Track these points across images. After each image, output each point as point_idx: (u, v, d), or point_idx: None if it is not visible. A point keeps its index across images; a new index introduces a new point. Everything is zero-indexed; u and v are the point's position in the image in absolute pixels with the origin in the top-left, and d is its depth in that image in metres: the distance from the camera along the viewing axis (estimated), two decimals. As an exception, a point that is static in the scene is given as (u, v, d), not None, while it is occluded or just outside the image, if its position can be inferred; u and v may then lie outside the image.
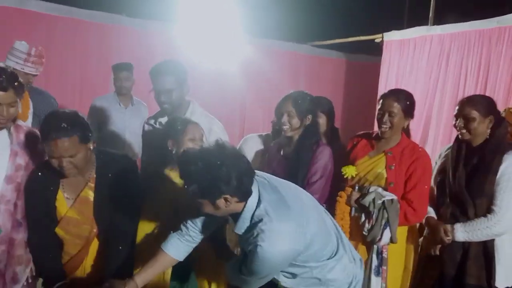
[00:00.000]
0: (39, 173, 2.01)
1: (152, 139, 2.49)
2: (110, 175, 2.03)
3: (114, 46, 5.13)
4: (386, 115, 2.38)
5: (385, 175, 2.39)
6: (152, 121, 2.60)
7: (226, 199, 1.64)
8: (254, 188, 1.70)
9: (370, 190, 2.37)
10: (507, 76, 4.35)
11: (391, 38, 5.59)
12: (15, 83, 1.98)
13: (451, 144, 2.52)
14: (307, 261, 1.78)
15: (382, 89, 5.43)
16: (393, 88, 5.26)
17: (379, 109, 2.43)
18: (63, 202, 2.03)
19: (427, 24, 5.22)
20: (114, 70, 4.06)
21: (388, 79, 5.56)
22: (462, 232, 2.31)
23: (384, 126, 2.39)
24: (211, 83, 5.18)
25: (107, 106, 4.01)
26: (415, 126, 5.06)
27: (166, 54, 5.17)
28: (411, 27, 5.42)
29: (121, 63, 4.06)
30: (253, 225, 1.68)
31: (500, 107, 4.32)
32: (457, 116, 2.38)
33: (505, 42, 4.40)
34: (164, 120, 2.47)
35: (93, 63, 4.96)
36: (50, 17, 4.78)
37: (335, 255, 1.86)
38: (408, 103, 2.39)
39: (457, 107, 2.41)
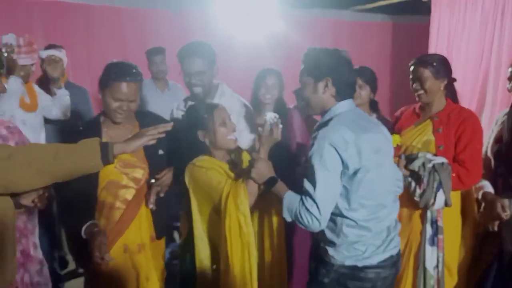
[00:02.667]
0: (80, 127, 2.13)
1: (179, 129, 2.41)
2: (150, 122, 2.09)
3: (151, 31, 5.14)
4: (417, 81, 2.37)
5: (433, 140, 2.32)
6: (183, 107, 2.51)
7: (326, 83, 1.85)
8: (345, 104, 1.89)
9: (419, 155, 2.31)
10: None
11: (440, -5, 5.22)
12: None
13: (509, 109, 2.40)
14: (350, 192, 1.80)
15: (432, 50, 5.14)
16: (443, 49, 5.08)
17: (411, 78, 2.42)
18: None
19: (479, -22, 4.84)
20: (148, 55, 4.06)
21: (439, 40, 5.23)
22: None
23: (418, 92, 2.39)
24: (248, 59, 5.06)
25: (144, 92, 4.00)
26: (470, 90, 4.76)
27: (202, 34, 5.16)
28: (461, -18, 5.06)
29: (154, 48, 4.08)
30: (325, 124, 1.86)
31: None
32: (511, 79, 2.32)
33: None
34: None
35: (132, 49, 4.98)
36: (88, 6, 4.85)
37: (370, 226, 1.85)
38: (435, 64, 2.35)
39: (509, 69, 2.34)
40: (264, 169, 1.89)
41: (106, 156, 1.60)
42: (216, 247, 2.00)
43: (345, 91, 1.88)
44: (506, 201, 2.25)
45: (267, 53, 5.13)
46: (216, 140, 2.03)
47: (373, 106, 2.90)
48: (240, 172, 2.04)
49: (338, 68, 1.86)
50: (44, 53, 3.44)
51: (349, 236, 1.83)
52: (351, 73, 1.92)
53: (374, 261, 1.85)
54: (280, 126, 1.94)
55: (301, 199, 1.79)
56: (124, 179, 2.12)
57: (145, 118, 2.22)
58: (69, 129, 2.10)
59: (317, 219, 1.74)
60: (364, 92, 2.77)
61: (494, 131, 2.48)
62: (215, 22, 5.12)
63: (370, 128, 1.87)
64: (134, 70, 2.08)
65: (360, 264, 1.84)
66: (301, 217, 1.77)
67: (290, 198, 1.83)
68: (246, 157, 2.18)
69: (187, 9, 5.26)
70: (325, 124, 1.84)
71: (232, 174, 2.01)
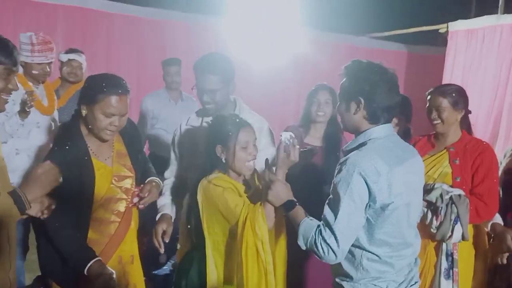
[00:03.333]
0: (66, 147, 1.96)
1: (195, 142, 2.27)
2: (128, 130, 2.11)
3: (168, 41, 5.21)
4: (434, 111, 2.35)
5: (450, 171, 2.29)
6: (194, 122, 2.36)
7: (358, 105, 1.70)
8: (382, 130, 1.73)
9: (436, 186, 2.27)
10: None
11: (457, 28, 5.27)
12: None
13: None
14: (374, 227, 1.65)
15: (447, 82, 5.14)
16: (459, 81, 5.09)
17: (428, 106, 2.40)
18: (101, 164, 2.02)
19: (496, 13, 4.90)
20: (163, 65, 4.09)
21: (454, 72, 5.25)
22: None
23: (435, 121, 2.36)
24: (264, 78, 5.13)
25: (157, 102, 4.02)
26: (484, 122, 4.75)
27: (219, 49, 5.22)
28: (479, 16, 5.12)
29: (170, 58, 4.09)
30: (356, 148, 1.73)
31: None
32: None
33: None
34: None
35: (149, 59, 5.06)
36: (109, 14, 4.94)
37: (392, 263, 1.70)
38: (454, 95, 2.33)
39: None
40: (281, 192, 1.78)
41: (22, 204, 1.56)
42: (222, 269, 1.91)
43: (379, 115, 1.71)
44: None
45: (281, 71, 5.19)
46: (234, 162, 1.91)
47: (406, 133, 2.84)
48: (254, 195, 1.95)
49: (374, 90, 1.68)
50: (65, 57, 3.48)
51: (370, 271, 1.67)
52: (390, 96, 1.71)
53: None
54: (297, 147, 1.85)
55: (319, 227, 1.65)
56: (119, 193, 2.07)
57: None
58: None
59: (333, 251, 1.60)
60: (395, 119, 2.72)
61: (502, 163, 2.46)
62: (232, 36, 5.18)
63: (406, 158, 1.72)
64: (123, 82, 1.95)
65: None
66: (317, 247, 1.63)
67: (306, 225, 1.69)
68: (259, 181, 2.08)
69: (205, 22, 5.35)
70: (356, 148, 1.71)
71: (245, 197, 1.91)
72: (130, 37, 5.07)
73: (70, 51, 3.56)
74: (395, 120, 2.67)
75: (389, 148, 1.70)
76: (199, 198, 1.90)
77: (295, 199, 1.79)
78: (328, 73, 5.98)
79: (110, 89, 1.89)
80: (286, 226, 1.95)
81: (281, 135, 1.88)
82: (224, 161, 1.91)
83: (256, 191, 1.98)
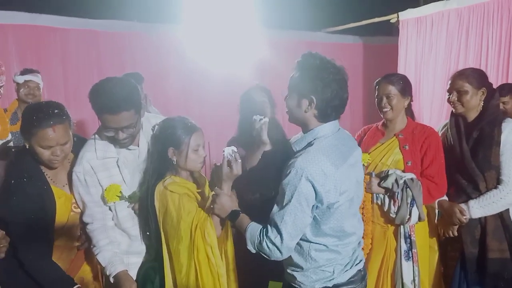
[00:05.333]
0: (24, 179, 1.92)
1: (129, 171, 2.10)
2: (78, 145, 2.06)
3: (127, 53, 5.18)
4: (384, 98, 2.45)
5: (401, 157, 2.40)
6: (111, 154, 2.05)
7: (310, 103, 1.72)
8: (329, 128, 1.76)
9: (389, 173, 2.37)
10: (531, 45, 4.18)
11: (407, 16, 5.45)
12: None
13: (446, 122, 2.59)
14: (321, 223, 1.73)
15: (402, 70, 5.31)
16: (412, 68, 5.26)
17: (377, 95, 2.50)
18: (61, 192, 2.01)
19: (443, -1, 5.08)
20: None
21: (407, 60, 5.43)
22: (478, 209, 2.33)
23: (385, 109, 2.46)
24: (225, 82, 5.14)
25: None
26: (438, 106, 4.93)
27: (177, 56, 5.22)
28: (427, 3, 5.28)
29: (131, 74, 3.95)
30: (306, 146, 1.75)
31: (525, 77, 4.22)
32: (450, 91, 2.46)
33: (526, 10, 4.23)
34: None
35: (109, 72, 4.98)
36: (63, 30, 4.85)
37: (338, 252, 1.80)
38: (401, 83, 2.45)
39: (449, 82, 2.47)
40: (225, 204, 1.87)
41: None
42: (180, 274, 1.94)
43: (329, 114, 1.74)
44: (463, 206, 2.36)
45: (240, 72, 5.22)
46: (186, 163, 1.98)
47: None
48: (203, 194, 2.04)
49: (327, 89, 1.70)
50: (21, 78, 3.42)
51: (318, 260, 1.77)
52: (342, 94, 1.74)
53: (343, 278, 1.81)
54: (239, 161, 1.90)
55: (265, 227, 1.73)
56: (78, 219, 2.07)
57: (76, 143, 2.06)
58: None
59: (278, 249, 1.68)
60: None
61: None
62: (191, 43, 5.19)
63: (350, 154, 1.79)
64: (56, 111, 1.88)
65: (330, 284, 1.79)
66: (263, 247, 1.72)
67: (251, 230, 1.78)
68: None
69: (164, 32, 5.33)
70: (304, 148, 1.74)
71: (199, 196, 2.00)
72: (87, 52, 5.00)
73: (26, 71, 3.49)
74: None
75: (335, 146, 1.74)
76: (157, 204, 1.94)
77: (238, 209, 1.88)
78: (288, 71, 6.07)
79: (41, 122, 1.83)
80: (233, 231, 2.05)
81: (223, 151, 1.93)
82: (174, 162, 1.97)
83: (204, 194, 2.06)
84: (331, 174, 1.65)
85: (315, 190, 1.65)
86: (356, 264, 1.86)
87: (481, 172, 2.33)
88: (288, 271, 1.86)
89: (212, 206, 1.88)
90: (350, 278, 1.82)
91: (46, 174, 1.99)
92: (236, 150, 1.93)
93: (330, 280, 1.79)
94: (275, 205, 1.72)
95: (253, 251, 1.78)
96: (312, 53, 1.79)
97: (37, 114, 1.85)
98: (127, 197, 2.03)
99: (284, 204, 1.67)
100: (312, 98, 1.71)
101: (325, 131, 1.75)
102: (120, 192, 2.01)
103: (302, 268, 1.80)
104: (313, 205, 1.69)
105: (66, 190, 2.04)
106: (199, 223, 1.86)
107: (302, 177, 1.64)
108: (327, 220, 1.73)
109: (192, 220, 1.87)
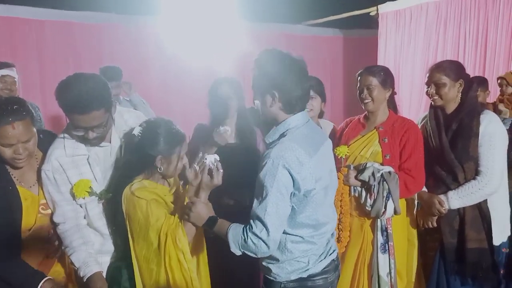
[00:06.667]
0: None
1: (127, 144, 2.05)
2: (49, 142, 1.98)
3: (105, 46, 5.09)
4: (365, 90, 2.45)
5: (380, 149, 2.41)
6: (81, 151, 1.99)
7: (273, 98, 1.74)
8: (299, 118, 1.79)
9: (367, 166, 2.38)
10: (506, 38, 4.27)
11: (386, 9, 5.50)
12: None
13: (425, 114, 2.61)
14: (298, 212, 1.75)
15: (381, 62, 5.36)
16: (391, 60, 5.31)
17: (358, 87, 2.49)
18: (28, 193, 1.95)
19: (422, -8, 5.13)
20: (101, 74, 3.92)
21: (387, 52, 5.48)
22: (457, 199, 2.36)
23: (366, 100, 2.46)
24: (205, 76, 5.07)
25: None
26: (417, 98, 5.00)
27: (157, 49, 5.15)
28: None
29: (108, 68, 3.82)
30: (279, 138, 1.77)
31: (502, 70, 4.32)
32: (428, 83, 2.47)
33: (501, 4, 4.31)
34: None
35: (86, 65, 4.90)
36: (38, 22, 4.73)
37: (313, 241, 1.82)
38: (382, 74, 2.45)
39: (427, 74, 2.48)
40: (202, 212, 1.82)
41: None
42: (149, 278, 1.90)
43: (294, 105, 1.77)
44: (443, 197, 2.38)
45: (220, 65, 5.19)
46: (169, 171, 1.91)
47: (320, 116, 2.87)
48: (176, 194, 2.00)
49: (285, 81, 1.73)
50: None
51: (293, 251, 1.79)
52: (302, 85, 1.77)
53: (318, 269, 1.83)
54: (221, 171, 1.86)
55: (248, 225, 1.70)
56: (47, 221, 2.00)
57: (44, 140, 2.00)
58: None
59: (265, 242, 1.67)
60: (315, 103, 2.72)
61: None
62: (170, 35, 5.13)
63: (321, 142, 1.84)
64: (16, 106, 1.78)
65: (305, 275, 1.81)
66: (248, 244, 1.69)
67: (233, 231, 1.75)
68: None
69: (141, 23, 5.26)
70: (278, 140, 1.76)
71: (168, 201, 1.95)
72: (64, 45, 4.89)
73: (1, 65, 3.39)
74: (314, 102, 2.70)
75: (307, 136, 1.77)
76: (124, 208, 1.87)
77: (215, 215, 1.84)
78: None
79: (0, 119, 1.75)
80: (204, 233, 2.02)
81: (205, 159, 1.88)
82: (161, 170, 1.90)
83: (178, 191, 2.03)
84: (306, 162, 1.68)
85: (292, 178, 1.67)
86: (330, 254, 1.89)
87: (460, 163, 2.35)
88: (264, 263, 1.86)
89: (187, 216, 1.83)
90: (324, 268, 1.85)
91: (12, 174, 1.91)
92: (218, 159, 1.88)
93: (306, 270, 1.81)
94: (255, 200, 1.70)
95: (238, 253, 1.74)
96: (268, 49, 1.80)
97: None
98: (97, 193, 1.97)
99: (264, 195, 1.67)
100: (274, 92, 1.74)
101: (296, 122, 1.78)
102: (90, 187, 1.94)
103: (278, 260, 1.81)
104: (291, 193, 1.70)
105: (33, 191, 1.96)
106: (169, 230, 1.81)
107: (279, 165, 1.65)
108: (304, 209, 1.75)
109: (161, 227, 1.81)
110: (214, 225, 1.81)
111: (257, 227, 1.67)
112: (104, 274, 2.00)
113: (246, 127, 2.62)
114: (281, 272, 1.81)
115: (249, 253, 1.73)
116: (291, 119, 1.78)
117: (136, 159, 1.91)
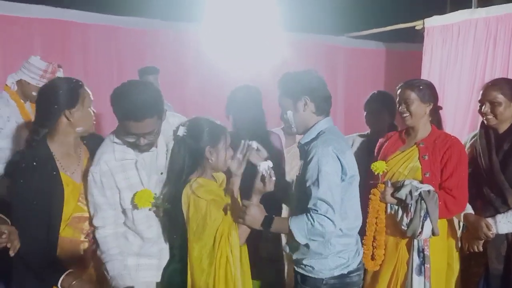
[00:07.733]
0: (34, 163, 1.92)
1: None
2: (97, 146, 2.07)
3: (148, 51, 5.16)
4: (403, 104, 2.40)
5: (420, 167, 2.32)
6: (129, 155, 2.03)
7: (305, 101, 2.00)
8: (328, 121, 2.06)
9: (405, 183, 2.31)
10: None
11: (433, 24, 5.34)
12: None
13: (475, 132, 2.51)
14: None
15: (425, 77, 5.20)
16: (436, 76, 5.16)
17: (398, 100, 2.45)
18: (69, 180, 2.01)
19: (470, 7, 4.97)
20: (140, 74, 4.05)
21: (431, 67, 5.32)
22: (505, 223, 2.26)
23: (404, 114, 2.42)
24: (243, 83, 5.11)
25: None
26: (462, 116, 4.81)
27: (200, 56, 5.20)
28: (454, 11, 5.17)
29: (147, 67, 4.05)
30: (315, 138, 1.99)
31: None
32: (482, 101, 2.39)
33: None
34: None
35: (129, 69, 5.00)
36: (85, 25, 4.85)
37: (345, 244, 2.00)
38: (421, 88, 2.39)
39: (481, 92, 2.39)
40: (256, 214, 1.92)
41: None
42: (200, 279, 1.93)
43: (323, 106, 2.04)
44: (490, 220, 2.28)
45: (261, 74, 5.19)
46: (219, 161, 2.01)
47: (392, 129, 2.86)
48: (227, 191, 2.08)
49: (312, 85, 2.01)
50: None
51: (336, 246, 1.96)
52: (325, 88, 2.07)
53: (355, 265, 2.02)
54: (273, 178, 1.94)
55: (310, 210, 1.84)
56: (86, 211, 2.05)
57: (91, 140, 2.12)
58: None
59: (332, 221, 1.80)
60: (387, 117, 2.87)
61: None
62: (211, 43, 5.16)
63: (348, 148, 2.08)
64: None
65: (346, 271, 1.98)
66: (315, 227, 1.80)
67: (295, 221, 1.87)
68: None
69: (184, 30, 5.31)
70: (315, 139, 1.98)
71: (229, 200, 2.02)
72: (108, 48, 4.99)
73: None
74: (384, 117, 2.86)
75: (338, 135, 2.04)
76: (185, 208, 1.92)
77: (269, 215, 1.93)
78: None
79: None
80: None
81: (259, 165, 1.95)
82: (211, 161, 1.98)
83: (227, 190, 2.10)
84: (346, 150, 1.96)
85: (340, 162, 1.90)
86: (359, 251, 2.10)
87: (511, 186, 2.24)
88: (304, 262, 1.99)
89: (241, 219, 1.89)
90: (358, 264, 2.06)
91: (58, 160, 1.98)
92: (271, 166, 1.95)
93: (346, 267, 1.99)
94: (312, 189, 1.86)
95: (304, 241, 1.88)
96: (284, 73, 2.09)
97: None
98: (159, 203, 2.00)
99: (321, 180, 1.84)
100: (305, 97, 2.00)
101: (327, 124, 2.03)
102: (154, 197, 1.98)
103: (321, 254, 1.94)
104: (340, 177, 1.92)
105: (74, 179, 2.02)
106: (224, 233, 1.87)
107: (329, 150, 1.88)
108: (349, 196, 1.96)
109: (218, 228, 1.87)
110: (271, 224, 1.91)
111: (321, 208, 1.80)
112: (144, 276, 2.05)
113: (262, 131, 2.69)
114: (324, 268, 1.97)
115: (316, 238, 1.84)
116: (321, 122, 2.03)
117: (188, 157, 1.98)
